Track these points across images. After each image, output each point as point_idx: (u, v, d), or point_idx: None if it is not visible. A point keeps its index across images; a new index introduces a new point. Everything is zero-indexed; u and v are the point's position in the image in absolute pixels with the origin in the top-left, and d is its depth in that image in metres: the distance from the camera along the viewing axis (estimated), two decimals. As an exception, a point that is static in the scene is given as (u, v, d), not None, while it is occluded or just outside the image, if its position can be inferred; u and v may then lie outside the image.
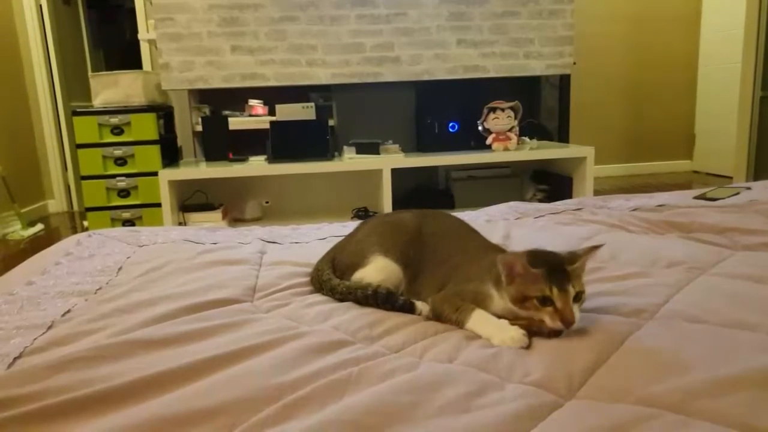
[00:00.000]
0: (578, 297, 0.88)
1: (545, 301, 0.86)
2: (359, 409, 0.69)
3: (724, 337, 0.84)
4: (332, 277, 1.12)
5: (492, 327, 0.90)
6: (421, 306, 1.03)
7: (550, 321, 0.86)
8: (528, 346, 0.85)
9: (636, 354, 0.80)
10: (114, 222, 3.34)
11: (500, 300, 0.93)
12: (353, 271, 1.12)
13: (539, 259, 0.89)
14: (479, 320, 0.92)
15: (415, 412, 0.69)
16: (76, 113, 3.36)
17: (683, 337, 0.85)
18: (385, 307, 1.02)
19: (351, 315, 1.00)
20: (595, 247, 0.93)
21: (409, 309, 1.02)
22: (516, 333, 0.86)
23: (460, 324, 0.94)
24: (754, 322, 0.87)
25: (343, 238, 1.26)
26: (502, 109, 3.43)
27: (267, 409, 0.70)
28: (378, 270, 1.09)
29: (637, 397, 0.70)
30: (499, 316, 0.92)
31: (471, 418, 0.68)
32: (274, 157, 3.33)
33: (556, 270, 0.87)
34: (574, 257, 0.90)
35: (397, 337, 0.91)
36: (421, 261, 1.10)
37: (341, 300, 1.08)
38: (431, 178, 3.88)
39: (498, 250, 1.08)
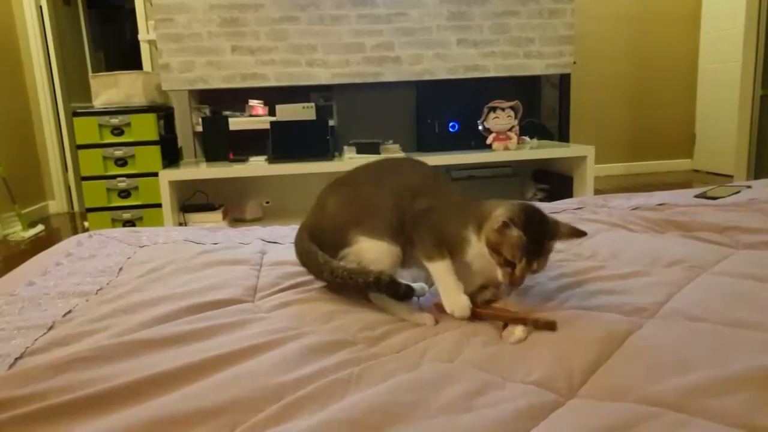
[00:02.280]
0: (536, 270, 0.95)
1: (510, 263, 0.94)
2: (361, 408, 0.69)
3: (725, 336, 0.84)
4: (330, 260, 1.07)
5: (447, 288, 0.98)
6: (426, 318, 0.99)
7: (501, 277, 0.95)
8: (469, 319, 0.95)
9: (637, 353, 0.80)
10: (114, 222, 3.34)
11: (477, 245, 0.97)
12: (337, 249, 1.07)
13: (529, 227, 0.93)
14: (442, 273, 1.00)
15: (417, 411, 0.69)
16: (76, 114, 3.37)
17: (684, 336, 0.85)
18: (388, 294, 1.00)
19: (352, 315, 1.00)
20: (580, 235, 0.98)
21: (409, 295, 1.00)
22: (464, 303, 0.96)
23: (426, 260, 1.01)
24: (755, 321, 0.87)
25: (311, 210, 1.19)
26: (503, 109, 3.43)
27: (268, 408, 0.71)
28: (366, 250, 1.04)
29: (638, 396, 0.70)
30: (470, 264, 0.99)
31: (472, 417, 0.68)
32: (275, 158, 3.34)
33: (536, 241, 0.93)
34: (555, 232, 0.96)
35: (398, 337, 0.91)
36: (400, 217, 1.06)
37: (340, 284, 1.04)
38: (432, 177, 3.87)
39: (473, 199, 1.06)
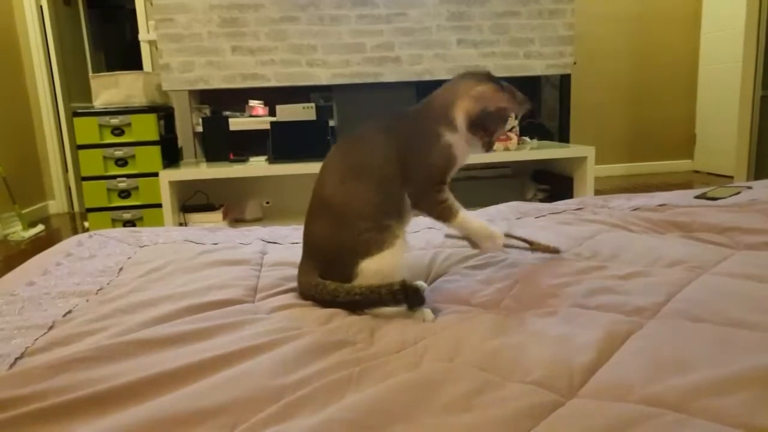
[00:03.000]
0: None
1: (488, 134, 1.04)
2: (360, 408, 0.69)
3: (725, 336, 0.84)
4: (340, 284, 1.02)
5: (478, 231, 1.08)
6: (427, 313, 0.98)
7: (483, 148, 1.06)
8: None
9: (637, 353, 0.80)
10: (115, 223, 3.34)
11: (457, 138, 1.04)
12: (345, 282, 1.03)
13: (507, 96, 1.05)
14: (465, 223, 1.06)
15: (417, 411, 0.69)
16: (76, 114, 3.37)
17: (685, 336, 0.85)
18: (410, 302, 0.95)
19: (352, 316, 1.00)
20: (526, 102, 1.10)
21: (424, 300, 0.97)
22: (498, 238, 1.07)
23: (445, 221, 1.06)
24: (756, 322, 0.87)
25: (304, 245, 1.13)
26: (503, 109, 3.43)
27: (268, 408, 0.71)
28: (374, 274, 1.01)
29: (639, 396, 0.70)
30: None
31: (472, 417, 0.68)
32: (275, 158, 3.34)
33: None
34: (513, 96, 1.07)
35: (398, 338, 0.91)
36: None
37: (361, 302, 0.99)
38: (432, 178, 3.87)
39: (429, 109, 1.08)
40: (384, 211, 1.03)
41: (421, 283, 1.13)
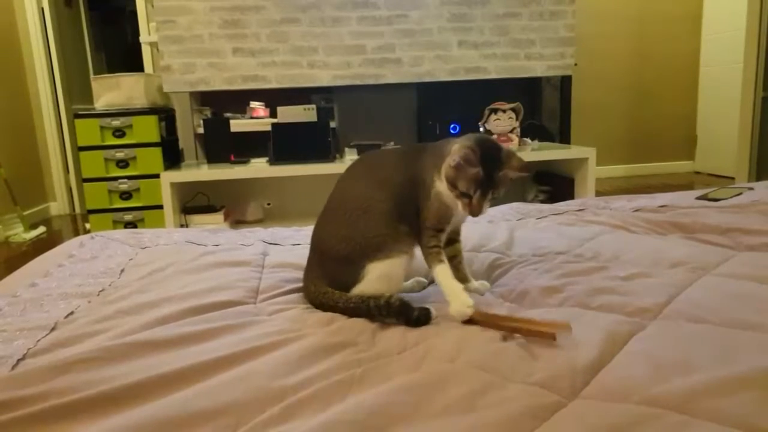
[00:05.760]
0: (494, 197, 1.03)
1: (465, 195, 1.00)
2: (362, 409, 0.69)
3: (727, 337, 0.84)
4: (342, 293, 1.04)
5: (450, 292, 0.99)
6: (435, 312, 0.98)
7: (461, 208, 1.01)
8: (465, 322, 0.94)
9: (639, 354, 0.80)
10: (116, 224, 3.34)
11: (441, 186, 1.03)
12: (348, 288, 1.04)
13: (482, 158, 0.98)
14: (443, 277, 1.02)
15: (418, 412, 0.69)
16: (77, 115, 3.37)
17: (686, 337, 0.85)
18: (399, 319, 0.96)
19: (354, 318, 1.00)
20: (528, 170, 1.05)
21: (425, 320, 0.96)
22: (463, 310, 0.94)
23: (428, 265, 1.05)
24: (757, 323, 0.87)
25: (312, 250, 1.14)
26: (504, 111, 3.44)
27: (270, 409, 0.71)
28: (378, 278, 1.02)
29: (641, 398, 0.70)
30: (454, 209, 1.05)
31: (474, 417, 0.68)
32: (276, 159, 3.34)
33: (488, 173, 0.99)
34: (507, 164, 1.01)
35: (399, 339, 0.91)
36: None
37: (354, 312, 1.00)
38: (433, 179, 3.88)
39: (435, 148, 1.09)
40: (398, 220, 1.05)
41: (419, 280, 1.14)
